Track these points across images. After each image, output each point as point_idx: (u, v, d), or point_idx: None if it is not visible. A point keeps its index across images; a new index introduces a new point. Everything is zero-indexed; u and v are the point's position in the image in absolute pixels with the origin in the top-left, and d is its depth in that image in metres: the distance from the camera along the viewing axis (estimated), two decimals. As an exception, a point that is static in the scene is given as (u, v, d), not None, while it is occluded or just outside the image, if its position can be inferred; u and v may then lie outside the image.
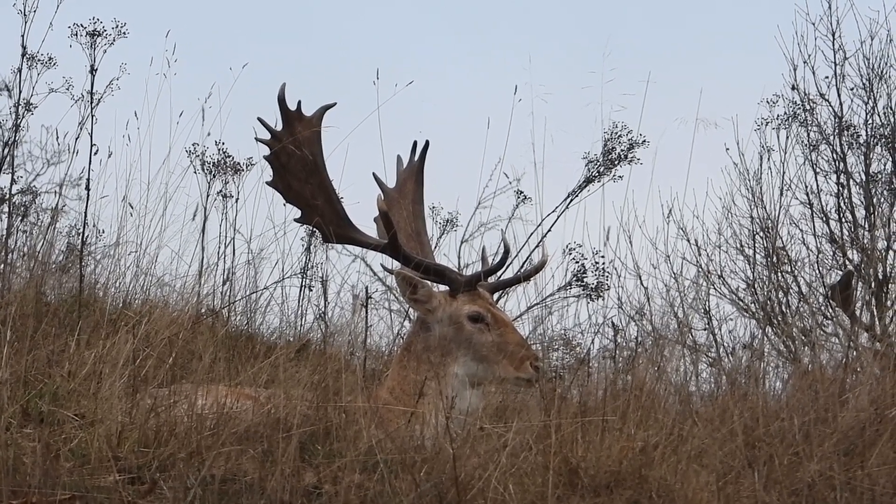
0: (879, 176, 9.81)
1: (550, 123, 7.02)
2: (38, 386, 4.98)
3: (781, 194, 9.57)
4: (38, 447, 4.47)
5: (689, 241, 9.01)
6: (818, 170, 9.74)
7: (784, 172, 9.64)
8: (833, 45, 9.83)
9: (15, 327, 5.20)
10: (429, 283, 5.71)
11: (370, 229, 5.97)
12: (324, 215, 5.70)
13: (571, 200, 9.52)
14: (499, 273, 5.90)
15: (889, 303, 9.08)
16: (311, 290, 7.72)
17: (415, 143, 6.22)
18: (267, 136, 5.77)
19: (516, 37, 15.44)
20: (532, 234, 9.17)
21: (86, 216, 7.09)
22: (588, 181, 9.47)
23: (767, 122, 9.76)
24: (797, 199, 9.66)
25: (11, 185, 9.08)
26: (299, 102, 5.73)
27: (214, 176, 8.81)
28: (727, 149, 9.66)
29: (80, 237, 7.15)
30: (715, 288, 9.00)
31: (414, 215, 6.11)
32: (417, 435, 5.13)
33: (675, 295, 7.91)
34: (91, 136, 7.42)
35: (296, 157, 5.68)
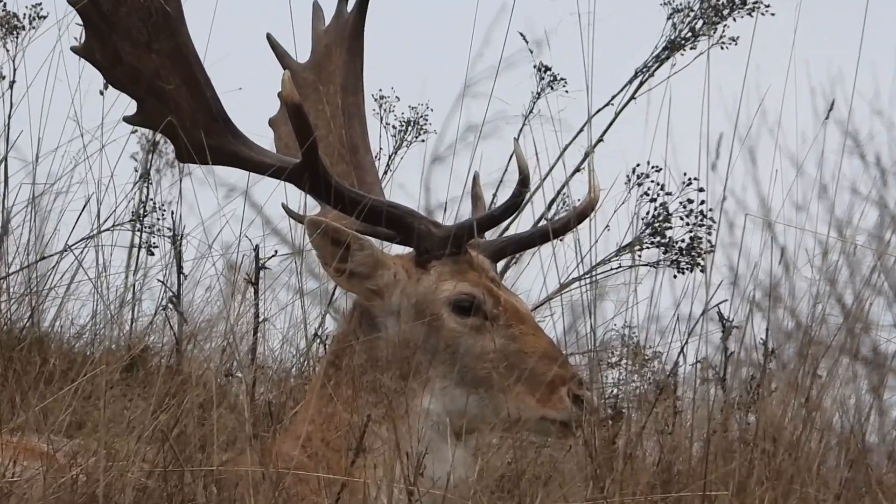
0: None
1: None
2: None
3: None
4: None
5: (863, 158, 7.77)
6: None
7: None
8: None
9: None
10: (373, 240, 5.39)
11: (264, 139, 5.68)
12: (181, 111, 5.42)
13: (641, 84, 8.70)
14: (507, 222, 5.91)
15: None
16: (151, 255, 7.29)
17: (346, -17, 6.17)
18: (80, -32, 5.57)
19: None
20: (567, 147, 8.21)
21: None
22: (674, 48, 8.63)
23: None
24: None
25: None
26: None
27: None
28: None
29: None
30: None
31: (346, 115, 5.90)
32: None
33: (838, 261, 6.69)
34: None
35: (130, 6, 5.42)
